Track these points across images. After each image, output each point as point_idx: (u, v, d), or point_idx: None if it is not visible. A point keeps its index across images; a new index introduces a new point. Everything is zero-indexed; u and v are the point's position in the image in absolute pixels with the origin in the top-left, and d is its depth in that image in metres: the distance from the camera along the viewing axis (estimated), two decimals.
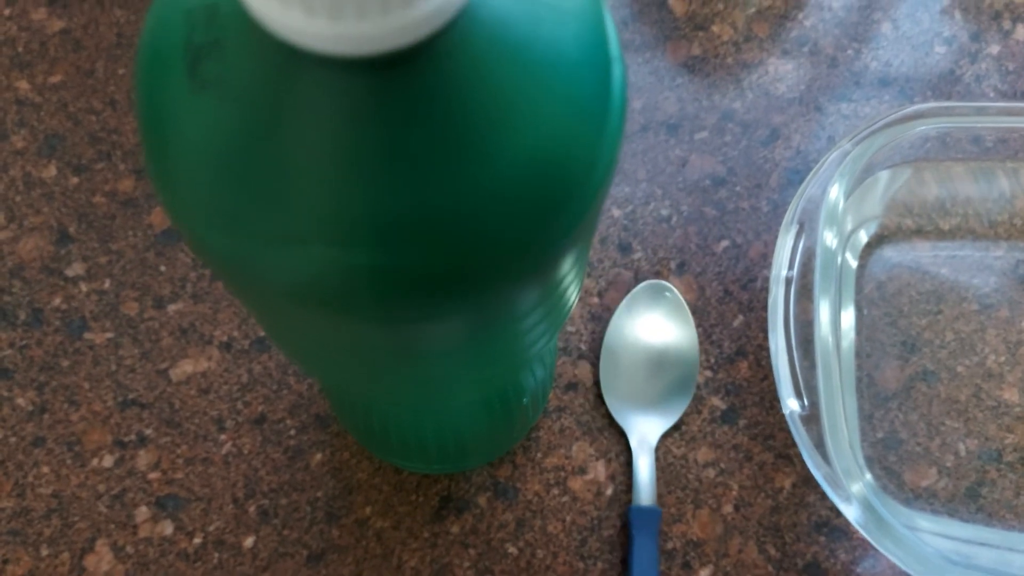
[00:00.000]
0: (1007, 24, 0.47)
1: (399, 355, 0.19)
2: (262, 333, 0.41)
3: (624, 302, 0.40)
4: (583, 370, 0.40)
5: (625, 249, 0.42)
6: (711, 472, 0.39)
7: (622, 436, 0.39)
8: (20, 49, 0.45)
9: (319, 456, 0.39)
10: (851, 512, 0.33)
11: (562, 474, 0.39)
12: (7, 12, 0.46)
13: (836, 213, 0.37)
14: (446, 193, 0.15)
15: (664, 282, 0.41)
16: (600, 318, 0.41)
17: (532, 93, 0.15)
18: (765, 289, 0.41)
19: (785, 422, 0.39)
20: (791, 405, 0.35)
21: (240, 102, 0.15)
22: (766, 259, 0.42)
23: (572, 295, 0.23)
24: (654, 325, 0.40)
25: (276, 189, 0.15)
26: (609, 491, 0.39)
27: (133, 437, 0.39)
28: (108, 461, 0.39)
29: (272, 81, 0.14)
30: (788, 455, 0.39)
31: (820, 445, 0.34)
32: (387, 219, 0.15)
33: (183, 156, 0.15)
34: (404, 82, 0.14)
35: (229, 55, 0.15)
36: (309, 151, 0.14)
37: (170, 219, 0.15)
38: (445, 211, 0.15)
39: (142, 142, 0.16)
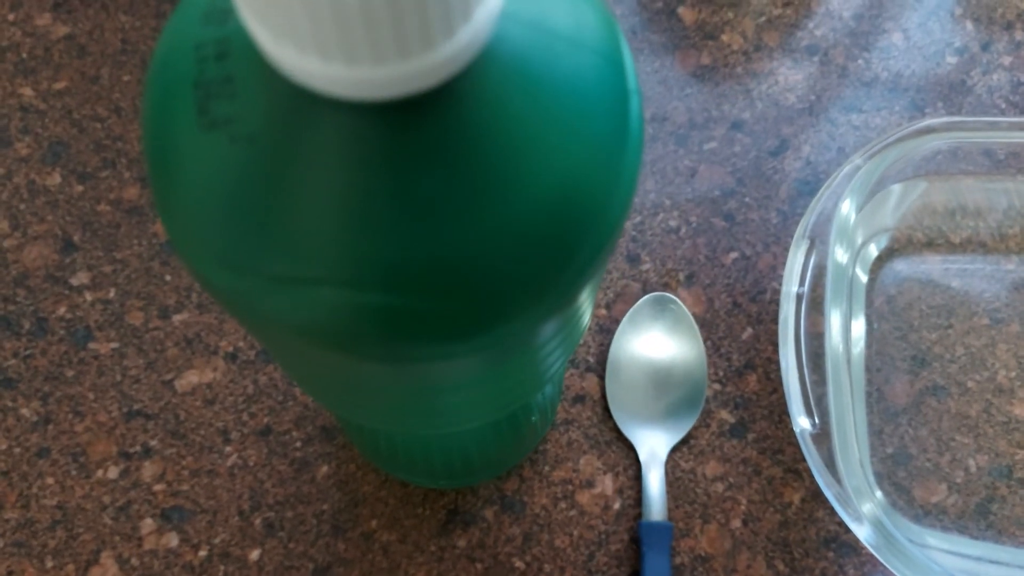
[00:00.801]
0: (1019, 34, 0.46)
1: (411, 391, 0.18)
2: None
3: (627, 316, 0.40)
4: (590, 383, 0.40)
5: (634, 260, 0.42)
6: (719, 487, 0.39)
7: (630, 450, 0.39)
8: (24, 55, 0.45)
9: (325, 468, 0.39)
10: (862, 531, 0.33)
11: (569, 488, 0.39)
12: (11, 17, 0.46)
13: (847, 228, 0.37)
14: (463, 235, 0.15)
15: (668, 294, 0.41)
16: (608, 330, 0.41)
17: (550, 132, 0.15)
18: (774, 301, 0.41)
19: (794, 436, 0.39)
20: (802, 423, 0.35)
21: (251, 141, 0.14)
22: (775, 271, 0.42)
23: (586, 317, 0.23)
24: (658, 339, 0.40)
25: (287, 230, 0.15)
26: (617, 505, 0.38)
27: (138, 448, 0.39)
28: (113, 472, 0.38)
29: (284, 121, 0.14)
30: (797, 469, 0.39)
31: (831, 464, 0.34)
32: (401, 261, 0.15)
33: (191, 195, 0.15)
34: (421, 124, 0.14)
35: (240, 93, 0.14)
36: (321, 192, 0.14)
37: (178, 256, 0.15)
38: (461, 253, 0.15)
39: (150, 179, 0.16)
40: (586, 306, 0.21)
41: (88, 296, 0.41)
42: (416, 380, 0.18)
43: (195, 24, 0.15)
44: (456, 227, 0.15)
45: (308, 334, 0.16)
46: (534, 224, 0.15)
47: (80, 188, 0.43)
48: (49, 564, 0.37)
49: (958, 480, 0.38)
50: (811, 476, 0.39)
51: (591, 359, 0.40)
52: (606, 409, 0.40)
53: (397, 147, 0.14)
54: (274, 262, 0.15)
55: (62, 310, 0.41)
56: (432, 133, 0.14)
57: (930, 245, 0.41)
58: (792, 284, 0.36)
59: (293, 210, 0.14)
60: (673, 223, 0.43)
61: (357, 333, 0.15)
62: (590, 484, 0.39)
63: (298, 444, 0.39)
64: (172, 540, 0.38)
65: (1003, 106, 0.45)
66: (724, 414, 0.40)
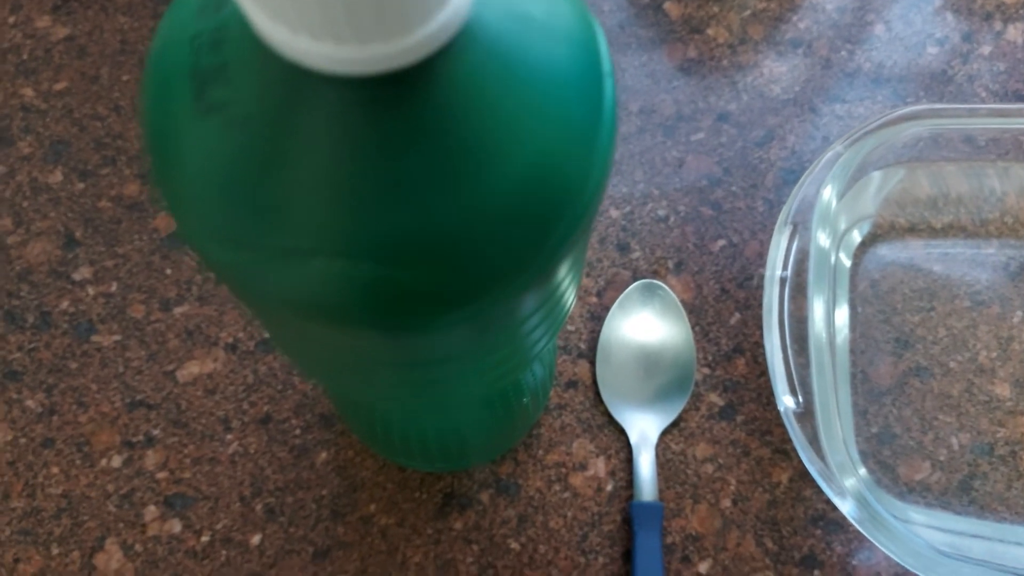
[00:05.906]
0: (998, 25, 0.47)
1: (401, 362, 0.19)
2: (267, 334, 0.42)
3: (617, 302, 0.41)
4: (583, 368, 0.41)
5: (623, 249, 0.43)
6: (709, 467, 0.40)
7: (622, 433, 0.40)
8: (25, 56, 0.46)
9: (324, 455, 0.40)
10: (846, 507, 0.34)
11: (563, 470, 0.40)
12: (12, 20, 0.47)
13: (829, 213, 0.37)
14: (444, 209, 0.16)
15: (656, 281, 0.42)
16: (599, 317, 0.42)
17: (525, 110, 0.16)
18: (761, 287, 0.42)
19: (781, 418, 0.40)
20: (786, 402, 0.36)
21: (246, 124, 0.15)
22: (762, 258, 0.43)
23: (570, 297, 0.24)
24: (647, 324, 0.41)
25: (281, 206, 0.16)
26: (609, 487, 0.39)
27: (141, 438, 0.40)
28: (117, 461, 0.39)
29: (277, 101, 0.15)
30: (785, 450, 0.40)
31: (815, 441, 0.35)
32: (387, 234, 0.16)
33: (190, 177, 0.16)
34: (403, 98, 0.15)
35: (235, 78, 0.15)
36: (311, 168, 0.15)
37: (180, 236, 0.16)
38: (443, 226, 0.16)
39: (151, 165, 0.17)
40: (568, 283, 0.22)
41: (90, 290, 0.42)
42: (405, 351, 0.19)
43: (190, 17, 0.16)
44: (438, 201, 0.16)
45: (302, 305, 0.17)
46: (512, 199, 0.16)
47: (81, 185, 0.44)
48: (55, 551, 0.38)
49: (941, 458, 0.39)
50: (798, 456, 0.40)
51: (583, 345, 0.41)
52: (598, 394, 0.41)
53: (381, 120, 0.15)
54: (269, 235, 0.16)
55: (65, 304, 0.42)
56: (414, 107, 0.15)
57: (912, 230, 0.42)
58: (776, 268, 0.37)
59: (286, 185, 0.15)
60: (662, 212, 0.44)
61: (347, 303, 0.16)
62: (583, 467, 0.40)
63: (297, 431, 0.40)
64: (175, 526, 0.39)
65: (983, 95, 0.46)
66: (713, 397, 0.41)
